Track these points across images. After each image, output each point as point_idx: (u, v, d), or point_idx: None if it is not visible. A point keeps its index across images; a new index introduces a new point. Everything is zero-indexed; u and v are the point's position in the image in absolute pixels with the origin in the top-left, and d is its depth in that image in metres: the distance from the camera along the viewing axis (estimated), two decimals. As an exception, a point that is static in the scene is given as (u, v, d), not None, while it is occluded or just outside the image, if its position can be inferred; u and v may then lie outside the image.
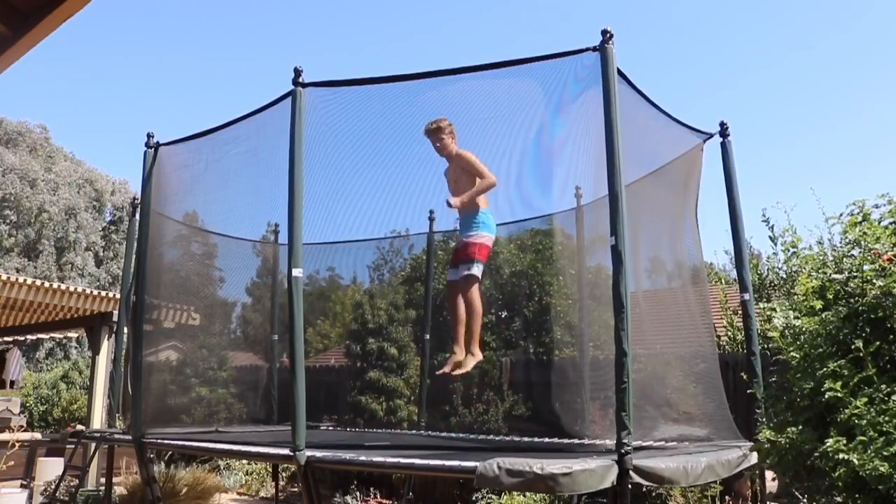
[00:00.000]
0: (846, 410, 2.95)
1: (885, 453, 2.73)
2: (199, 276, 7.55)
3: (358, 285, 9.44)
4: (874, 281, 3.19)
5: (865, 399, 2.93)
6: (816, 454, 3.03)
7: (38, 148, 30.10)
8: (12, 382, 14.00)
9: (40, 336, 15.40)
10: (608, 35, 3.61)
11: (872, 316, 3.18)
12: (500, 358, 8.37)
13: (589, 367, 6.04)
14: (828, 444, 2.92)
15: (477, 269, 4.72)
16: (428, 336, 7.36)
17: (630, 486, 3.16)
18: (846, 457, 2.81)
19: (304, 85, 4.21)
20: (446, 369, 4.85)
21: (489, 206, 4.86)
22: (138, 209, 6.20)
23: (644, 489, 5.85)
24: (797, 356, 3.40)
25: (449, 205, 4.69)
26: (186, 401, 7.73)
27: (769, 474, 4.69)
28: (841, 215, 3.58)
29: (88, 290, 9.25)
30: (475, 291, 4.75)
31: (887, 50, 40.44)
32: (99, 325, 9.40)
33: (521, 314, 8.55)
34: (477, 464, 3.16)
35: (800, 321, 3.45)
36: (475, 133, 4.96)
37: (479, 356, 4.81)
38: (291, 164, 4.10)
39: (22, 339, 13.89)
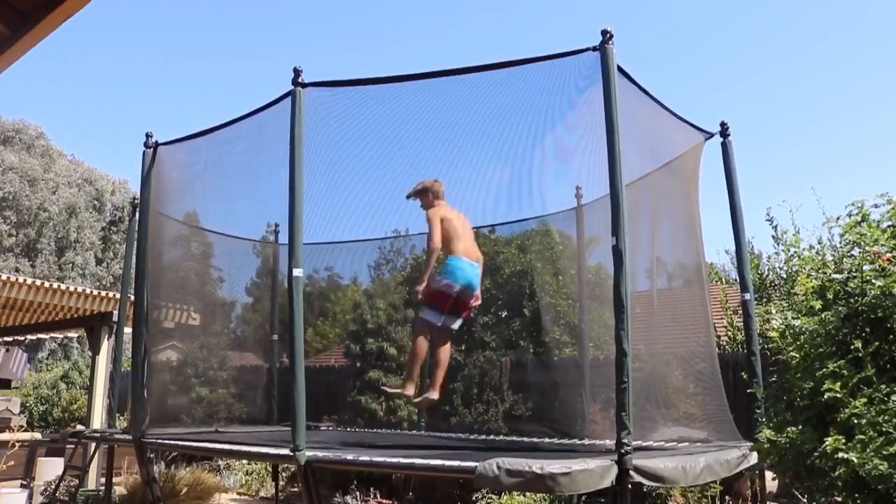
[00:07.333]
0: (846, 410, 2.95)
1: (884, 452, 2.73)
2: (198, 276, 7.55)
3: (358, 285, 9.44)
4: (874, 281, 3.19)
5: (865, 399, 2.93)
6: (816, 454, 3.03)
7: (35, 146, 30.06)
8: (7, 381, 13.97)
9: (41, 336, 15.37)
10: (608, 35, 3.61)
11: (872, 316, 3.18)
12: (500, 358, 8.37)
13: (589, 367, 6.04)
14: (827, 442, 2.92)
15: (425, 314, 4.87)
16: (428, 336, 7.34)
17: (630, 486, 3.16)
18: (845, 455, 2.81)
19: (304, 85, 4.21)
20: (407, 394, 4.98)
21: (460, 253, 4.87)
22: (138, 209, 6.20)
23: (644, 489, 5.85)
24: (797, 356, 3.40)
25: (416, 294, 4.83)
26: (186, 401, 7.72)
27: (769, 474, 4.69)
28: (839, 218, 3.58)
29: (88, 290, 9.24)
30: (418, 334, 4.91)
31: (887, 50, 40.45)
32: (99, 325, 9.38)
33: (521, 314, 8.54)
34: (477, 464, 3.16)
35: (799, 321, 3.45)
36: (477, 133, 4.97)
37: (432, 396, 4.92)
38: (291, 164, 4.10)
39: (22, 338, 13.88)
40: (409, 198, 5.15)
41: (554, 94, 4.23)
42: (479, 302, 5.13)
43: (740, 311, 5.63)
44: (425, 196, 5.07)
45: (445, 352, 5.04)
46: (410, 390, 4.90)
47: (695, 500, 6.12)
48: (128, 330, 6.93)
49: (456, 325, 5.09)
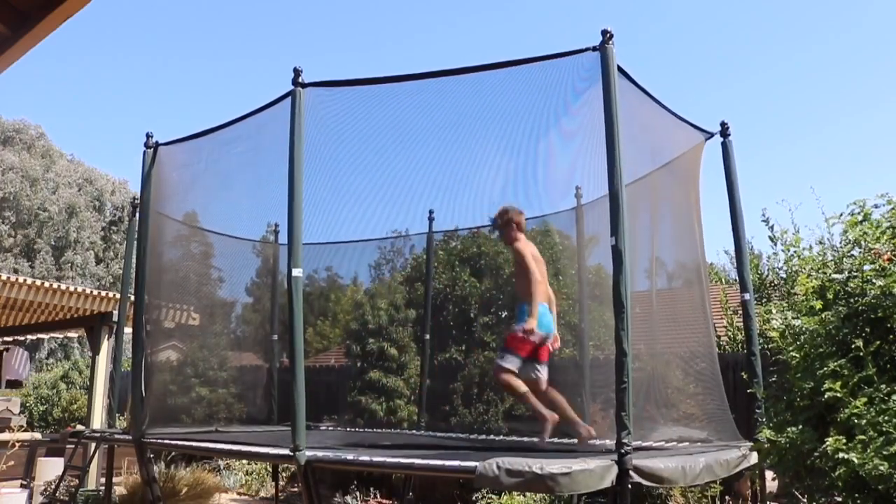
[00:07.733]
0: (846, 410, 2.95)
1: (884, 453, 2.73)
2: (198, 276, 7.55)
3: (358, 285, 9.44)
4: (874, 281, 3.19)
5: (865, 399, 2.93)
6: (816, 454, 3.03)
7: (35, 146, 30.06)
8: (18, 382, 13.97)
9: (41, 336, 15.37)
10: (608, 35, 3.61)
11: (872, 316, 3.18)
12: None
13: (589, 367, 6.03)
14: (827, 443, 2.92)
15: (505, 361, 4.60)
16: (428, 336, 7.35)
17: (630, 486, 3.16)
18: (845, 456, 2.81)
19: (304, 85, 4.20)
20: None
21: (542, 298, 4.66)
22: (138, 209, 6.20)
23: (644, 489, 5.85)
24: (797, 356, 3.40)
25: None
26: (186, 401, 7.72)
27: (769, 474, 4.69)
28: (841, 215, 3.58)
29: (88, 290, 9.24)
30: (504, 379, 4.62)
31: (887, 50, 40.44)
32: (99, 325, 9.37)
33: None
34: (477, 464, 3.15)
35: (799, 321, 3.45)
36: (477, 133, 4.97)
37: (551, 418, 4.64)
38: (291, 164, 4.10)
39: (22, 338, 13.88)
40: (494, 229, 5.00)
41: (554, 94, 4.23)
42: (558, 344, 4.96)
43: (740, 311, 5.62)
44: (509, 228, 4.84)
45: (547, 388, 4.77)
46: (550, 417, 4.61)
47: (695, 500, 6.12)
48: (128, 330, 6.93)
49: (542, 375, 4.74)
